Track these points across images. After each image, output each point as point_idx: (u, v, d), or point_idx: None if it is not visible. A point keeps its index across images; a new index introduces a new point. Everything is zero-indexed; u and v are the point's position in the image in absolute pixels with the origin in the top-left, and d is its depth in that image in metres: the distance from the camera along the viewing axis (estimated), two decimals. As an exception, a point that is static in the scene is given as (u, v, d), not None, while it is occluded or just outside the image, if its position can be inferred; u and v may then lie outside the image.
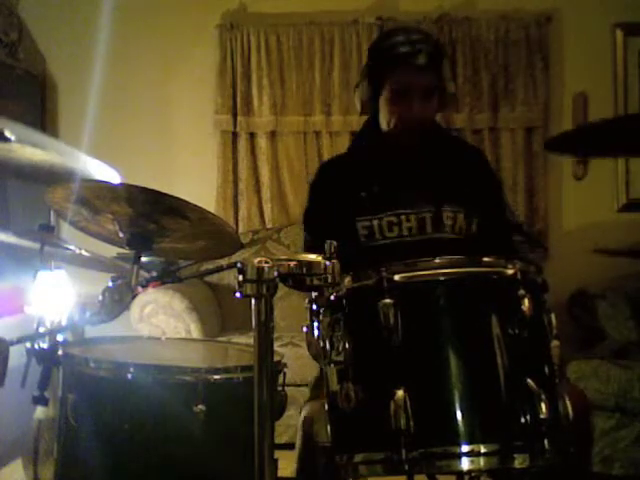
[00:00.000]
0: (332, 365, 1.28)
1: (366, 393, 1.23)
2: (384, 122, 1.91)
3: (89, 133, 3.45)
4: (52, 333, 1.52)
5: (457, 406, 1.19)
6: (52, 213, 1.52)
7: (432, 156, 1.94)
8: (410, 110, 1.86)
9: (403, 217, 1.88)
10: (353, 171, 1.96)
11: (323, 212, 1.96)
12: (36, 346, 1.51)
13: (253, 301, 1.19)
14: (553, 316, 1.30)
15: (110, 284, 1.34)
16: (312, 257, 1.24)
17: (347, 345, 1.25)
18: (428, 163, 1.93)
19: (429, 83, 1.87)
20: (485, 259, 1.31)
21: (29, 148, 1.45)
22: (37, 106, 3.90)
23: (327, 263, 1.22)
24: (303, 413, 1.67)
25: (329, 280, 1.22)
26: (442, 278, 1.26)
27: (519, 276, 1.26)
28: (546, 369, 1.27)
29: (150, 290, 1.41)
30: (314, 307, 1.30)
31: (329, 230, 1.81)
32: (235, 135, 3.96)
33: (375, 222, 1.88)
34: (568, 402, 1.26)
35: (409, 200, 1.89)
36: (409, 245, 1.87)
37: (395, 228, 1.88)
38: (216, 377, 1.46)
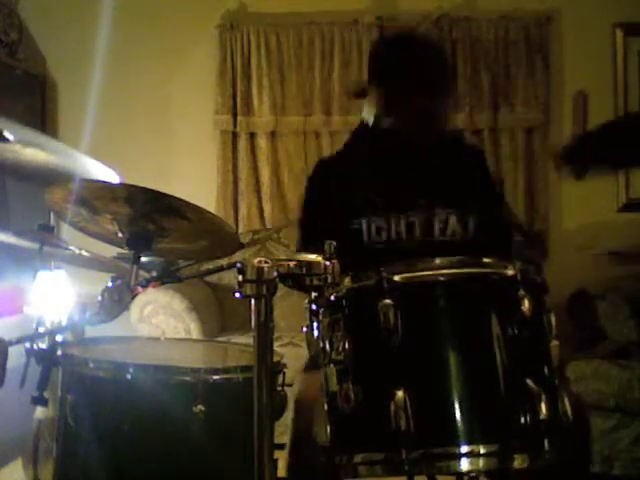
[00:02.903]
0: (332, 365, 1.27)
1: (366, 393, 1.23)
2: (391, 122, 1.92)
3: (89, 133, 3.45)
4: (51, 333, 1.52)
5: (457, 407, 1.19)
6: (52, 213, 1.52)
7: (427, 158, 1.94)
8: (426, 120, 1.91)
9: (393, 221, 1.88)
10: (349, 171, 1.96)
11: (318, 209, 1.96)
12: (35, 346, 1.50)
13: (253, 301, 1.19)
14: (553, 316, 1.30)
15: (110, 284, 1.34)
16: (312, 257, 1.24)
17: (347, 345, 1.25)
18: (423, 165, 1.93)
19: (441, 102, 1.93)
20: (485, 259, 1.31)
21: (29, 148, 1.45)
22: (37, 106, 3.90)
23: (327, 263, 1.22)
24: (297, 387, 1.66)
25: (329, 280, 1.22)
26: (442, 278, 1.26)
27: (519, 276, 1.26)
28: (546, 369, 1.27)
29: (150, 290, 1.41)
30: (314, 307, 1.30)
31: (323, 228, 1.82)
32: (235, 135, 3.96)
33: (364, 225, 1.88)
34: (568, 402, 1.26)
35: (400, 203, 1.89)
36: (398, 249, 1.86)
37: (383, 232, 1.88)
38: (216, 377, 1.46)
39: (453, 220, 1.89)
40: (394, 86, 1.92)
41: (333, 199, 1.92)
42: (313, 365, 1.63)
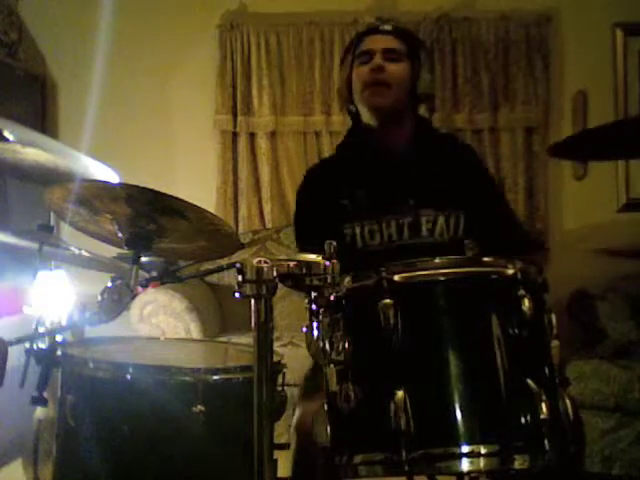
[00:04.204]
0: (332, 365, 1.27)
1: (366, 393, 1.23)
2: (357, 95, 1.92)
3: (89, 133, 3.45)
4: (51, 333, 1.51)
5: (457, 407, 1.19)
6: (52, 213, 1.52)
7: (416, 158, 1.93)
8: (374, 67, 1.88)
9: (384, 224, 1.88)
10: (337, 177, 1.96)
11: (310, 218, 1.96)
12: (35, 346, 1.50)
13: (253, 301, 1.19)
14: (553, 316, 1.30)
15: (110, 284, 1.34)
16: (312, 257, 1.24)
17: (347, 345, 1.25)
18: (411, 166, 1.93)
19: (395, 45, 1.90)
20: (485, 259, 1.31)
21: (29, 148, 1.45)
22: (37, 106, 3.90)
23: (327, 263, 1.22)
24: (297, 413, 1.67)
25: (329, 280, 1.22)
26: (442, 278, 1.26)
27: (519, 276, 1.26)
28: (546, 369, 1.27)
29: (150, 290, 1.41)
30: (314, 307, 1.30)
31: (316, 236, 1.82)
32: (235, 135, 3.95)
33: (357, 229, 1.88)
34: (568, 402, 1.26)
35: (389, 206, 1.89)
36: (390, 251, 1.86)
37: (376, 235, 1.87)
38: (216, 377, 1.46)
39: (441, 221, 1.88)
40: (350, 74, 1.94)
41: (323, 205, 1.92)
42: (313, 387, 1.63)
